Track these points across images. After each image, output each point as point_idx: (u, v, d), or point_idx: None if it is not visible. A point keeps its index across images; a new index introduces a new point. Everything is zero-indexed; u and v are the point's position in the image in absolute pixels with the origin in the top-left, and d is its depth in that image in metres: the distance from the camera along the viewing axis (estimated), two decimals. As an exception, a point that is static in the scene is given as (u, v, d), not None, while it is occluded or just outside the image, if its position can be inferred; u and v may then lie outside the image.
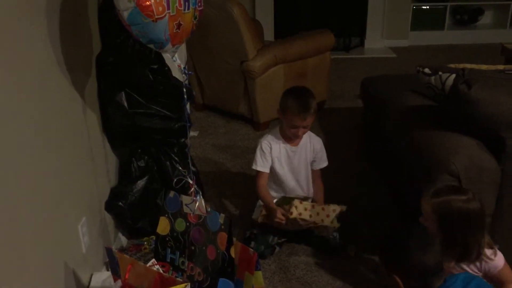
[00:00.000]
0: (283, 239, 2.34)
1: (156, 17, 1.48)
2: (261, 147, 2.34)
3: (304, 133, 2.29)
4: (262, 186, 2.35)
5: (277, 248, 2.31)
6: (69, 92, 1.78)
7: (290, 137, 2.32)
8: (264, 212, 2.32)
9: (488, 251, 1.70)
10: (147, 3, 1.46)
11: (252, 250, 1.77)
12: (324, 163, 2.42)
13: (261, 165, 2.33)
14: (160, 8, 1.48)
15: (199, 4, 1.66)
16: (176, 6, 1.54)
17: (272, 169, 2.36)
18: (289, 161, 2.36)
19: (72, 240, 1.78)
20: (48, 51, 1.60)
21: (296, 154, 2.35)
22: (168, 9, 1.51)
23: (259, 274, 1.74)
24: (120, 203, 2.16)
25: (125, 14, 1.47)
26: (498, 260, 1.71)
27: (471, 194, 1.67)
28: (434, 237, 1.66)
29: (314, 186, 2.42)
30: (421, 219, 1.74)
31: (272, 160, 2.34)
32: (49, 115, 1.60)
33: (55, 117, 1.65)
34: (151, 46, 1.58)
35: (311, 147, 2.38)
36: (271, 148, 2.33)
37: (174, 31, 1.57)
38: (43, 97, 1.56)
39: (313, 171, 2.41)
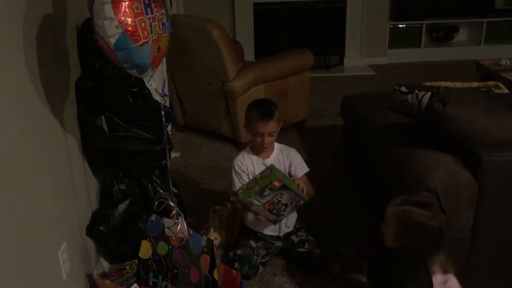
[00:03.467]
0: (266, 258, 2.34)
1: (143, 41, 1.51)
2: (234, 169, 2.36)
3: (270, 141, 2.29)
4: None
5: (261, 268, 2.31)
6: (48, 116, 1.77)
7: (260, 150, 2.34)
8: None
9: (439, 277, 1.68)
10: (135, 28, 1.48)
11: (235, 272, 1.77)
12: (305, 169, 2.37)
13: (239, 186, 2.31)
14: (145, 33, 1.51)
15: (171, 28, 1.71)
16: (157, 30, 1.57)
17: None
18: None
19: (52, 267, 1.75)
20: (26, 76, 1.60)
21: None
22: (151, 33, 1.54)
23: (243, 296, 1.73)
24: (102, 228, 2.14)
25: (112, 40, 1.48)
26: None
27: (434, 212, 1.72)
28: (388, 245, 1.74)
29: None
30: (382, 225, 1.79)
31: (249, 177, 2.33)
32: (28, 140, 1.59)
33: (34, 142, 1.64)
34: (134, 71, 1.59)
35: (284, 159, 2.37)
36: (243, 165, 2.35)
37: (155, 54, 1.60)
38: (22, 123, 1.56)
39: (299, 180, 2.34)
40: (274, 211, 2.18)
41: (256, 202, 2.11)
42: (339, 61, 5.81)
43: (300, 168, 2.36)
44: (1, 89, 1.42)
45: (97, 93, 2.03)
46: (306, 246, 2.35)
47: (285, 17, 5.63)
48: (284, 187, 2.07)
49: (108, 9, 1.44)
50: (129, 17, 1.46)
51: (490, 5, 5.82)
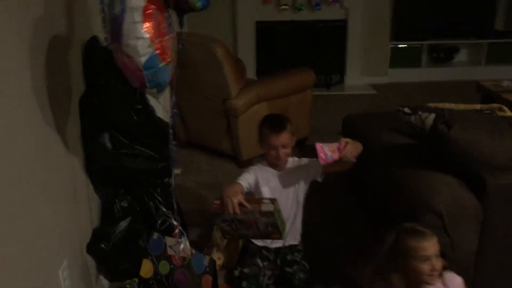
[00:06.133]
0: (272, 280, 2.29)
1: (168, 60, 1.51)
2: (251, 167, 2.36)
3: (286, 154, 2.28)
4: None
5: (269, 290, 2.27)
6: (52, 133, 1.76)
7: (275, 163, 2.33)
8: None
9: None
10: (164, 46, 1.49)
11: (237, 292, 1.75)
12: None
13: (241, 179, 2.29)
14: (170, 51, 1.52)
15: (181, 46, 1.72)
16: (175, 48, 1.58)
17: (261, 195, 2.31)
18: (277, 185, 2.34)
19: (52, 285, 1.73)
20: (31, 94, 1.60)
21: (283, 177, 2.34)
22: (173, 51, 1.55)
23: (245, 317, 1.71)
24: (103, 245, 2.11)
25: (143, 60, 1.47)
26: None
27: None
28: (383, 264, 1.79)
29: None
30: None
31: (261, 186, 2.31)
32: (32, 156, 1.59)
33: (38, 159, 1.63)
34: (153, 90, 1.58)
35: (297, 168, 2.37)
36: (260, 171, 2.34)
37: (172, 72, 1.60)
38: (26, 139, 1.55)
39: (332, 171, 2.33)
40: (236, 222, 2.13)
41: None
42: (340, 80, 5.84)
43: (314, 161, 2.29)
44: (7, 106, 1.42)
45: (100, 110, 2.03)
46: (294, 267, 2.29)
47: (287, 36, 5.68)
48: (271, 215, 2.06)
49: (140, 28, 1.43)
50: (159, 36, 1.46)
51: (489, 27, 5.88)
